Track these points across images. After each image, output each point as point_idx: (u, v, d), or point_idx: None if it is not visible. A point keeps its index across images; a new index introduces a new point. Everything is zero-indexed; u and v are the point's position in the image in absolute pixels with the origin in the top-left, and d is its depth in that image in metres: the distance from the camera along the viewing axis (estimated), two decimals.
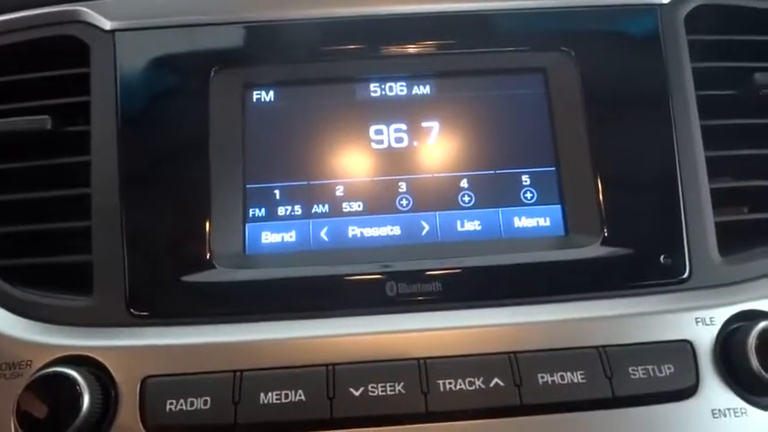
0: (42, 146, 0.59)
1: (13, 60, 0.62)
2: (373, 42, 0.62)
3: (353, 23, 0.62)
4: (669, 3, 0.63)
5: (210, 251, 0.56)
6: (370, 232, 0.58)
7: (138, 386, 0.51)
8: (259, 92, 0.61)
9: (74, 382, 0.48)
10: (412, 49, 0.62)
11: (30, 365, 0.51)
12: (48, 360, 0.51)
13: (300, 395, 0.50)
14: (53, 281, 0.57)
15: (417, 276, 0.55)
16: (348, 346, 0.52)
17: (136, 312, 0.54)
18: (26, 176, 0.59)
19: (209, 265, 0.56)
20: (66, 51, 0.61)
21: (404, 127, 0.61)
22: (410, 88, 0.62)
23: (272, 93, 0.61)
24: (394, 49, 0.62)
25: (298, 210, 0.59)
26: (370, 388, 0.50)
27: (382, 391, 0.50)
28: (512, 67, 0.62)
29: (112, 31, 0.61)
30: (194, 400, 0.49)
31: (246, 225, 0.58)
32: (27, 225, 0.58)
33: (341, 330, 0.53)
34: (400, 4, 0.63)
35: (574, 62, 0.61)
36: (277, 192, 0.59)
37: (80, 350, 0.52)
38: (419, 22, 0.62)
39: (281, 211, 0.59)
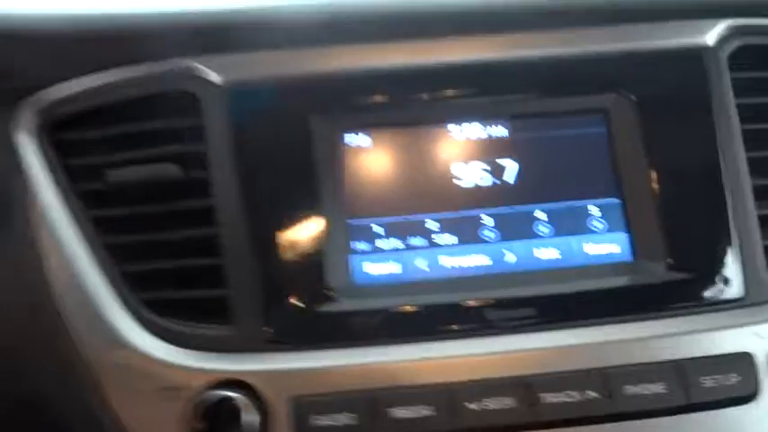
0: (162, 190, 0.66)
1: (128, 111, 0.67)
2: (455, 89, 0.68)
3: (437, 73, 0.68)
4: (713, 45, 0.69)
5: (326, 283, 0.63)
6: (460, 262, 0.65)
7: (288, 405, 0.58)
8: (354, 135, 0.68)
9: (235, 403, 0.56)
10: (488, 94, 0.69)
11: (187, 389, 0.58)
12: (203, 383, 0.59)
13: (429, 410, 0.58)
14: (184, 310, 0.64)
15: (513, 302, 0.63)
16: (463, 366, 0.60)
17: (272, 339, 0.62)
18: (150, 218, 0.65)
19: (328, 297, 0.63)
20: (177, 103, 0.67)
21: (483, 165, 0.68)
22: (487, 130, 0.69)
23: (364, 136, 0.68)
24: (472, 95, 0.69)
25: (396, 243, 0.66)
26: (484, 402, 0.58)
27: (496, 405, 0.58)
28: (577, 108, 0.68)
29: (222, 85, 0.67)
30: (338, 416, 0.57)
31: (349, 257, 0.65)
32: (164, 262, 0.64)
33: (455, 352, 0.61)
34: (474, 52, 0.69)
35: (631, 103, 0.67)
36: (376, 226, 0.66)
37: (231, 374, 0.59)
38: (494, 68, 0.69)
39: (380, 243, 0.66)
